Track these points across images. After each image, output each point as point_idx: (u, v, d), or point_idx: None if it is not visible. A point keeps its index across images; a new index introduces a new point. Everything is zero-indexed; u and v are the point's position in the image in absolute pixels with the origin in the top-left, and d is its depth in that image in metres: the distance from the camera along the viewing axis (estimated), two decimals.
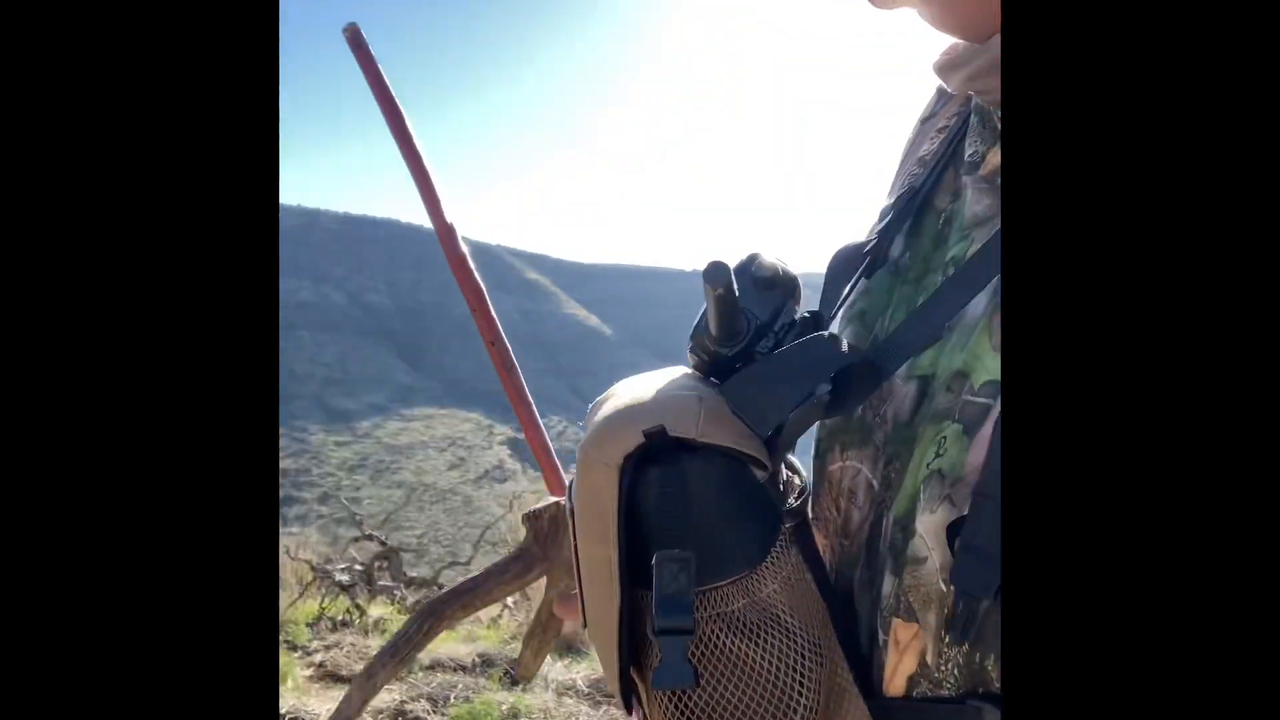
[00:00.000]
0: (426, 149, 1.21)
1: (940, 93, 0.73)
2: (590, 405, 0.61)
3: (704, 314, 0.58)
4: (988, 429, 0.49)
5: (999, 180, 0.56)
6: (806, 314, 0.61)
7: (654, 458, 0.54)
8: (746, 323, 0.58)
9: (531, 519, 1.08)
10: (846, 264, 0.67)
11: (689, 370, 0.61)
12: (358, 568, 6.41)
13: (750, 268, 0.60)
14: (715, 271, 0.53)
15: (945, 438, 0.51)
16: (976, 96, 0.59)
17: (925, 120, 0.73)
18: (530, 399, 1.17)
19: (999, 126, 0.57)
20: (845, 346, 0.54)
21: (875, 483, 0.60)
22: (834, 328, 0.64)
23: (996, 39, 0.54)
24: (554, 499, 1.12)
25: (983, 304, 0.54)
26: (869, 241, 0.67)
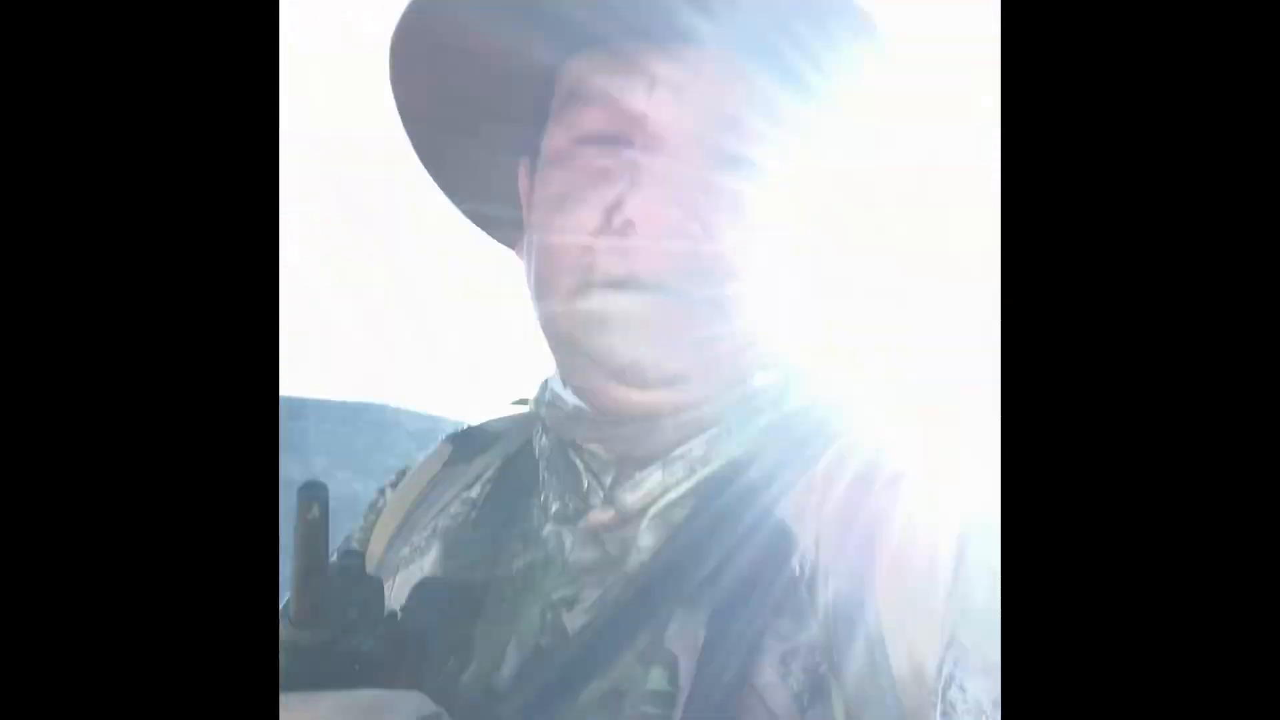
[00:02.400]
0: None
1: (456, 450, 0.72)
2: None
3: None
4: None
5: (604, 535, 0.57)
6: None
7: None
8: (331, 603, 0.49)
9: None
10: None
11: None
12: None
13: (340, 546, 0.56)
14: (312, 489, 0.46)
15: None
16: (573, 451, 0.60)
17: (448, 465, 0.71)
18: None
19: (582, 481, 0.59)
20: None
21: None
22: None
23: None
24: None
25: None
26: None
